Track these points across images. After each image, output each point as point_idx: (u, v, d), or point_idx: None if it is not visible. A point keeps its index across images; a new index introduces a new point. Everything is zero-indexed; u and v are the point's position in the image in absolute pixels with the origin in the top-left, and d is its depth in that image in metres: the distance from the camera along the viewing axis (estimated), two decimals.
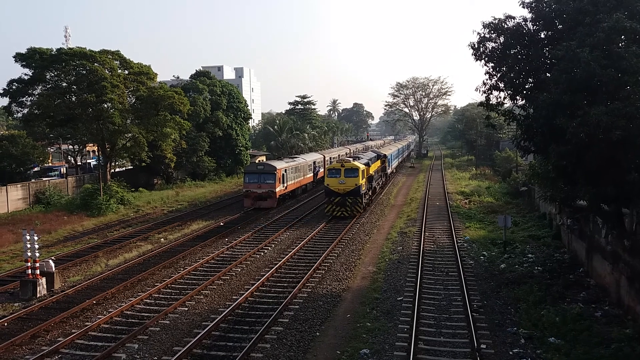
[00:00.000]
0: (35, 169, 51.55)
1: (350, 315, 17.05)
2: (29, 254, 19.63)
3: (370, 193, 39.02)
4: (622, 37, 14.49)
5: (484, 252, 24.76)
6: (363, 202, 34.74)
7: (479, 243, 26.74)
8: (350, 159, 37.14)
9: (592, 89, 14.12)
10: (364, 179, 34.41)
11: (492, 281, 20.38)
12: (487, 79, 18.16)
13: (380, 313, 17.07)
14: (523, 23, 17.43)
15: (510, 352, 14.00)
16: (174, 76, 77.79)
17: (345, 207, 33.47)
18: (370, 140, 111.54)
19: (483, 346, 14.23)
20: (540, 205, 31.79)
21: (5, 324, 16.49)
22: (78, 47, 41.81)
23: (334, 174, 33.73)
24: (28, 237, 19.74)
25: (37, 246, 19.78)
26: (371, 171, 38.54)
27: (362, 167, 33.93)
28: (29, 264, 19.64)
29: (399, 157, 75.29)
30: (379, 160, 45.88)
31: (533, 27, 17.35)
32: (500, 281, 20.18)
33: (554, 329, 14.96)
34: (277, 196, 38.70)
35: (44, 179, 46.21)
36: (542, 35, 17.41)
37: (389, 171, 54.71)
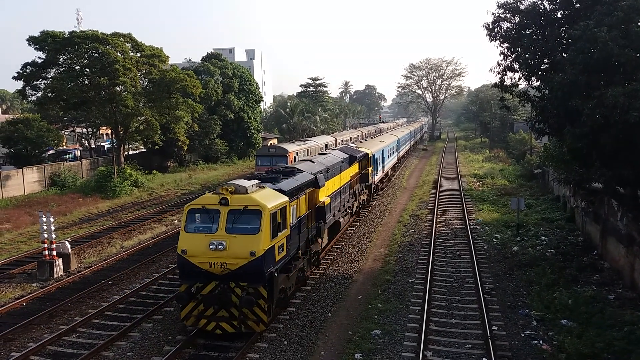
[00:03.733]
0: (50, 152, 52.18)
1: (361, 296, 17.16)
2: (46, 235, 19.96)
3: (317, 246, 18.92)
4: None
5: (497, 235, 24.68)
6: (278, 290, 14.36)
7: (491, 225, 26.65)
8: (247, 185, 13.95)
9: (610, 70, 13.84)
10: (284, 233, 14.43)
11: (505, 263, 20.35)
12: (501, 60, 17.90)
13: (392, 294, 17.17)
14: (539, 2, 17.07)
15: (522, 334, 14.03)
16: (185, 59, 77.72)
17: (229, 309, 13.31)
18: (383, 122, 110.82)
19: (495, 328, 14.28)
20: (555, 187, 31.53)
21: (24, 304, 16.86)
22: (90, 30, 41.87)
23: (204, 223, 13.73)
24: (44, 219, 20.06)
25: (53, 228, 20.09)
26: (322, 197, 18.59)
27: (274, 203, 13.85)
28: (46, 245, 19.99)
29: (401, 148, 55.45)
30: (356, 165, 26.38)
31: (549, 6, 16.99)
32: (513, 264, 20.15)
33: (567, 312, 14.94)
34: None
35: (59, 161, 46.80)
36: (559, 15, 17.04)
37: (375, 179, 34.41)
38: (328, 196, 19.53)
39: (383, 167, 38.98)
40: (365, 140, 44.90)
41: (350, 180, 24.92)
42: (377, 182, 36.22)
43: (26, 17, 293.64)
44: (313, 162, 20.44)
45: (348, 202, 24.47)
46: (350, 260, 21.18)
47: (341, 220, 22.73)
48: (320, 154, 24.74)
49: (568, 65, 14.33)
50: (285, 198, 14.58)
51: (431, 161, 63.07)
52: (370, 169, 30.13)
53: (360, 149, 29.47)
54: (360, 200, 29.04)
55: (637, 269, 16.19)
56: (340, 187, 22.48)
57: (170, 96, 43.95)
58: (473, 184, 40.93)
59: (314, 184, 18.06)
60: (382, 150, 38.23)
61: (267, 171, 18.29)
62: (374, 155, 32.59)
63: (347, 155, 25.22)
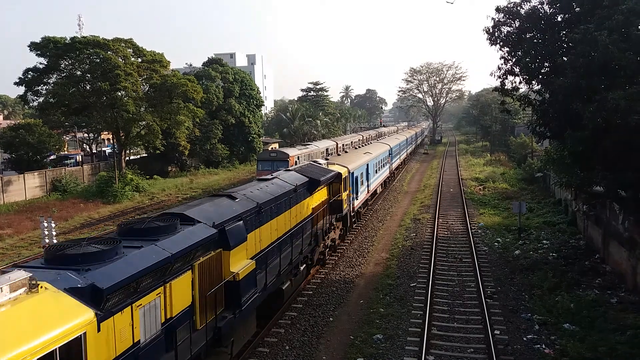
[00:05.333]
0: (52, 157, 52.26)
1: (363, 301, 17.12)
2: (47, 240, 19.97)
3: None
4: None
5: (498, 239, 24.63)
6: None
7: (493, 229, 26.60)
8: None
9: (610, 73, 13.86)
10: None
11: (506, 267, 20.31)
12: (502, 64, 17.92)
13: (394, 299, 17.13)
14: (539, 6, 17.10)
15: (525, 338, 13.99)
16: (186, 64, 77.80)
17: None
18: (384, 126, 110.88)
19: (497, 332, 14.24)
20: (556, 191, 31.50)
21: None
22: (91, 35, 42.01)
23: None
24: (45, 224, 20.08)
25: (54, 233, 20.13)
26: (238, 264, 11.34)
27: (18, 350, 5.43)
28: None
29: (394, 159, 47.44)
30: (322, 190, 19.50)
31: (549, 10, 17.03)
32: (515, 267, 20.10)
33: (569, 315, 14.91)
34: None
35: (60, 166, 46.87)
36: (559, 19, 17.07)
37: (355, 204, 26.29)
38: (253, 257, 12.21)
39: (368, 186, 30.74)
40: (346, 152, 35.13)
41: (311, 215, 17.54)
42: (359, 208, 27.75)
43: (28, 23, 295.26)
44: (234, 198, 12.61)
45: (301, 252, 16.59)
46: (352, 264, 21.14)
47: (285, 286, 15.16)
48: (259, 179, 16.25)
49: (569, 69, 14.35)
50: (88, 315, 6.70)
51: (432, 165, 63.06)
52: (345, 193, 22.38)
53: (331, 167, 22.29)
54: (328, 242, 21.03)
55: (639, 273, 16.15)
56: (287, 233, 14.99)
57: (172, 101, 44.05)
58: (474, 188, 40.89)
59: (219, 243, 10.65)
60: (367, 165, 30.07)
61: (121, 224, 9.79)
62: (352, 173, 24.82)
63: (307, 179, 17.48)
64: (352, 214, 25.45)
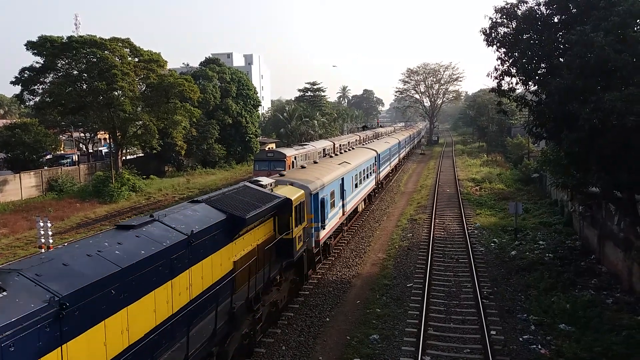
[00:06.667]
0: (48, 157, 52.11)
1: (360, 301, 17.13)
2: (43, 240, 19.93)
3: None
4: (638, 21, 14.22)
5: (495, 239, 24.68)
6: None
7: (489, 230, 26.65)
8: None
9: (606, 74, 13.91)
10: None
11: (503, 268, 20.35)
12: (499, 65, 17.94)
13: (390, 299, 17.15)
14: (536, 7, 17.14)
15: (521, 339, 14.02)
16: (183, 63, 77.81)
17: None
18: (381, 127, 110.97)
19: (493, 332, 14.26)
20: (552, 192, 31.58)
21: None
22: (88, 34, 41.91)
23: None
24: (42, 224, 20.03)
25: (50, 233, 20.07)
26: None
27: None
28: (43, 251, 19.92)
29: (384, 166, 41.17)
30: (262, 227, 13.86)
31: (546, 11, 17.07)
32: (511, 268, 20.15)
33: (565, 316, 14.96)
34: None
35: (57, 166, 46.74)
36: (556, 20, 17.11)
37: (321, 237, 19.34)
38: None
39: (344, 206, 24.07)
40: (316, 162, 26.63)
41: (227, 277, 11.11)
42: (327, 239, 21.11)
43: (24, 22, 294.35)
44: None
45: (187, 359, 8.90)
46: (349, 264, 21.15)
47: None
48: (119, 226, 9.40)
49: (565, 70, 14.38)
50: None
51: (429, 165, 63.14)
52: (299, 228, 16.18)
53: (279, 190, 15.92)
54: (263, 314, 13.50)
55: (634, 273, 16.22)
56: (155, 330, 8.43)
57: (168, 101, 44.01)
58: (471, 189, 40.95)
59: None
60: (342, 180, 23.62)
61: None
62: (315, 195, 18.43)
63: (223, 217, 11.24)
64: (315, 252, 18.88)
